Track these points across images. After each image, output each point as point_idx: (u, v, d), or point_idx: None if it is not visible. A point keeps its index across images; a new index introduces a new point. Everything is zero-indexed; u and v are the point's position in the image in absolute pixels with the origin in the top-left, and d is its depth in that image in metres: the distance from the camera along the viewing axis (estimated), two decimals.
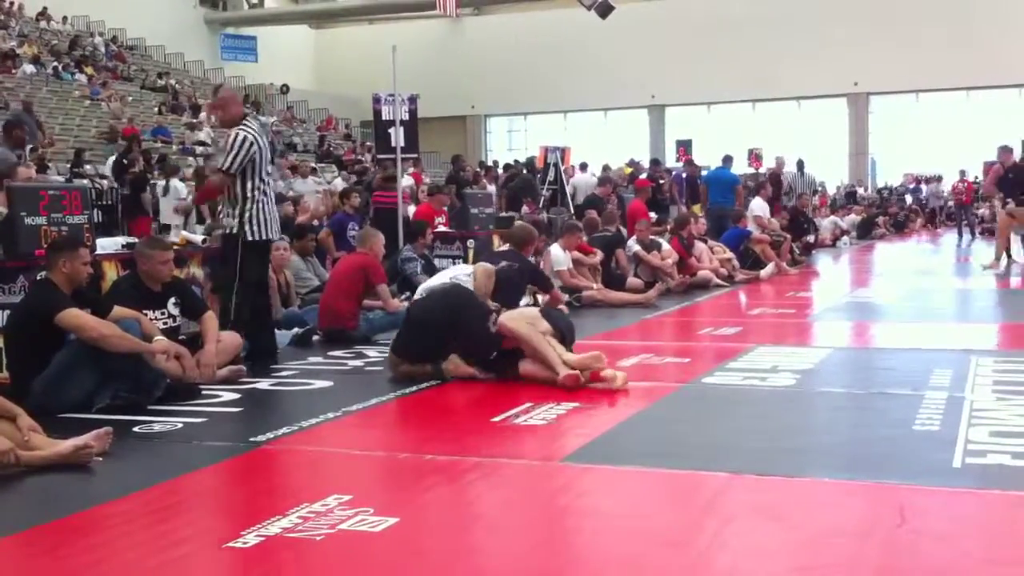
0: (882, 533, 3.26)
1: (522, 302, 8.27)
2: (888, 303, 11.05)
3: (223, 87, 6.57)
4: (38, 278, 5.97)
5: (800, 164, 20.81)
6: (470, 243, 11.83)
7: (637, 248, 11.91)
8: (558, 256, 10.48)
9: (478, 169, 22.88)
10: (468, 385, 6.02)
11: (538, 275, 8.70)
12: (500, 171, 22.57)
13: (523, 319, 6.07)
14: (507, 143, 42.65)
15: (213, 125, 28.68)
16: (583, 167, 21.43)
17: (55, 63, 28.79)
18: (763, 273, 13.71)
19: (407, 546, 3.24)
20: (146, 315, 6.14)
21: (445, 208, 13.64)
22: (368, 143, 28.83)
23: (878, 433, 4.67)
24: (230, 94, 8.30)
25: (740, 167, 24.56)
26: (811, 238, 18.03)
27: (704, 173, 19.05)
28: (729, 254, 13.68)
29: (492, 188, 18.04)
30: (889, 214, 29.55)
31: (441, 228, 12.51)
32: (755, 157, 26.57)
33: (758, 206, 16.03)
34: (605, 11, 22.77)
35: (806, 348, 7.47)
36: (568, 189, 19.54)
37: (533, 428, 4.83)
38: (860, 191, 33.56)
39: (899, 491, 3.65)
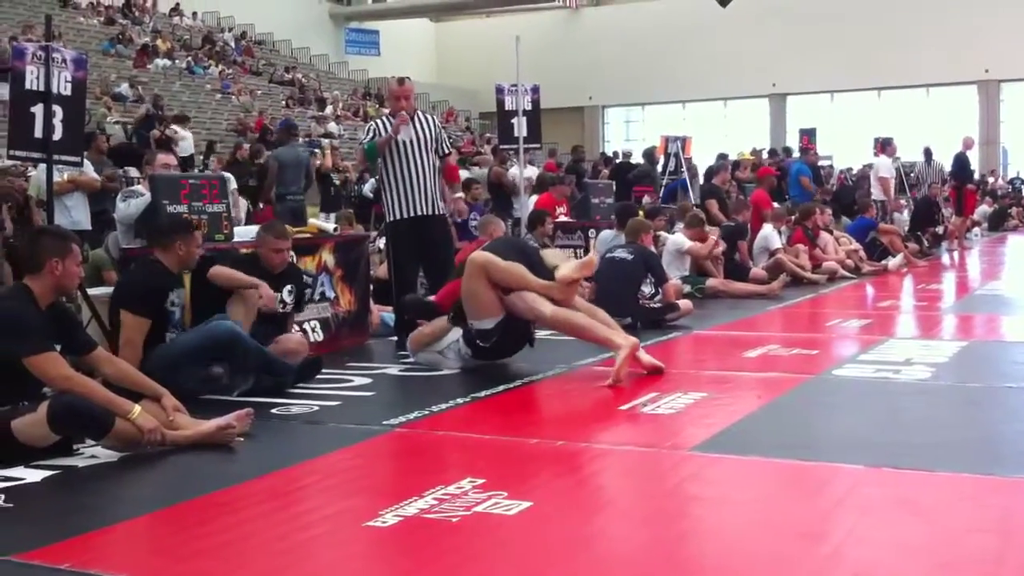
0: None
1: (646, 290, 8.25)
2: (1023, 296, 10.68)
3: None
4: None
5: (928, 153, 20.17)
6: (591, 233, 11.82)
7: (780, 245, 11.72)
8: (679, 240, 10.45)
9: (598, 161, 22.82)
10: (594, 374, 6.05)
11: (655, 265, 8.61)
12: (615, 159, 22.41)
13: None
14: (625, 134, 42.39)
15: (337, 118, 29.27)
16: None
17: (188, 57, 29.71)
18: (891, 264, 13.36)
19: (542, 530, 3.27)
20: None
21: (566, 198, 13.65)
22: (487, 134, 29.01)
23: (1018, 428, 4.54)
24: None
25: (866, 157, 23.87)
26: (940, 229, 17.52)
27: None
28: (855, 245, 13.40)
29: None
30: (1022, 205, 28.49)
31: (562, 218, 12.53)
32: (881, 146, 25.73)
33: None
34: None
35: (940, 341, 7.26)
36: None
37: (661, 417, 4.82)
38: (991, 181, 32.40)
39: None
